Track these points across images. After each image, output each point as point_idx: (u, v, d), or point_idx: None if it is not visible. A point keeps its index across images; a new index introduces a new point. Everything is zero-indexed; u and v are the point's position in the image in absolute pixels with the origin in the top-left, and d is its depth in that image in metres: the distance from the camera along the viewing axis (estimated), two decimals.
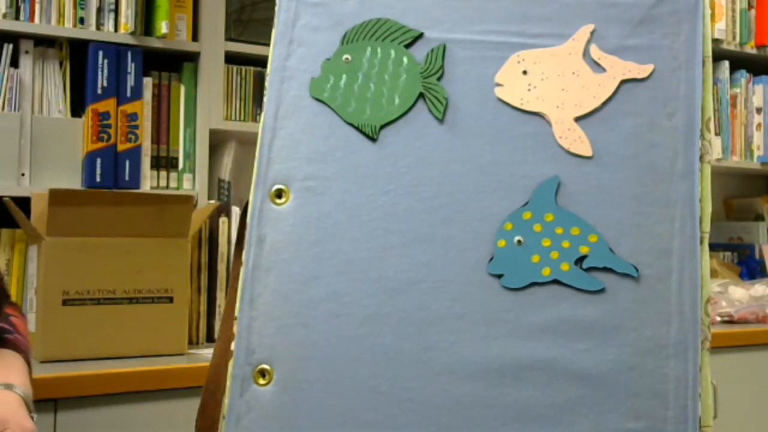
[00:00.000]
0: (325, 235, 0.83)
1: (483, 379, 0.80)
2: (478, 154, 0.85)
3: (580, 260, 0.82)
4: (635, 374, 0.79)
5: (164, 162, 1.97)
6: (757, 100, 2.71)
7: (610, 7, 0.87)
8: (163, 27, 1.91)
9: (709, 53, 0.86)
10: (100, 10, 1.90)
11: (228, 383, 0.82)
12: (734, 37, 2.62)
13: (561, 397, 0.79)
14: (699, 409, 0.79)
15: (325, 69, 0.88)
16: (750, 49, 2.66)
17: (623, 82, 0.85)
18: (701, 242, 0.82)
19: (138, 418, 1.43)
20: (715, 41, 2.54)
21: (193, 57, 1.99)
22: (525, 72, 0.86)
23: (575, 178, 0.84)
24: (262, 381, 0.81)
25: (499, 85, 0.86)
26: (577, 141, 0.84)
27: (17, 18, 1.83)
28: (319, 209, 0.84)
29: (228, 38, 2.01)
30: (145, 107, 1.93)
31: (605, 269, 0.82)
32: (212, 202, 1.97)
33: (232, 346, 0.83)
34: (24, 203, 1.68)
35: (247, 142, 2.04)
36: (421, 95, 0.86)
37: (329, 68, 0.88)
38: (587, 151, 0.84)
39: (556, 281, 0.82)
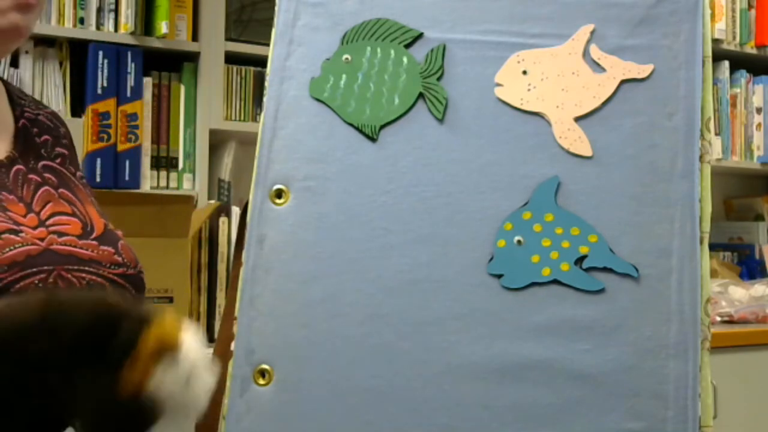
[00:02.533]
0: (324, 235, 0.83)
1: (483, 379, 0.80)
2: (478, 154, 0.85)
3: (580, 260, 0.82)
4: (635, 374, 0.79)
5: (164, 162, 1.97)
6: (757, 100, 2.70)
7: (609, 7, 0.87)
8: (163, 27, 1.91)
9: (709, 53, 0.86)
10: (100, 10, 1.90)
11: (228, 383, 0.82)
12: (734, 37, 2.62)
13: (561, 397, 0.79)
14: (699, 409, 0.79)
15: (324, 69, 0.88)
16: (750, 49, 2.66)
17: (623, 82, 0.85)
18: (701, 242, 0.82)
19: None
20: (715, 41, 2.54)
21: (193, 57, 2.00)
22: (525, 72, 0.86)
23: (575, 178, 0.84)
24: (262, 381, 0.81)
25: (498, 85, 0.86)
26: (577, 141, 0.84)
27: None
28: (318, 209, 0.84)
29: (228, 38, 2.01)
30: (145, 107, 1.93)
31: (605, 269, 0.82)
32: (212, 202, 1.97)
33: (232, 346, 0.83)
34: None
35: (247, 142, 2.04)
36: (421, 95, 0.86)
37: (329, 68, 0.88)
38: (587, 151, 0.84)
39: (556, 281, 0.82)
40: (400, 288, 0.82)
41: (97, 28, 1.90)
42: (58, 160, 0.89)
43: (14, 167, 0.84)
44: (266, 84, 0.88)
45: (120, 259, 0.86)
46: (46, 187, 0.85)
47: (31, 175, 0.85)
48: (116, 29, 1.92)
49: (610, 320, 0.80)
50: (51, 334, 0.54)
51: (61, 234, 0.82)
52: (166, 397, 0.57)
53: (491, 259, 0.82)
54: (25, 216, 0.80)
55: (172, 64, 2.00)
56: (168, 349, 0.58)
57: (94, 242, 0.85)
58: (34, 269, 0.77)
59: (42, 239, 0.79)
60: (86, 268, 0.82)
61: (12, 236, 0.76)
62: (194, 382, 0.60)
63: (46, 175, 0.87)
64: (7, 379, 0.53)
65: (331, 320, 0.82)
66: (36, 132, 0.88)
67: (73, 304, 0.56)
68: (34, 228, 0.79)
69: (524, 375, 0.80)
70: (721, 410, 1.89)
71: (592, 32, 0.87)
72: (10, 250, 0.75)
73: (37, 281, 0.76)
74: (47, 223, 0.82)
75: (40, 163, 0.87)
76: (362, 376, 0.81)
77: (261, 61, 2.00)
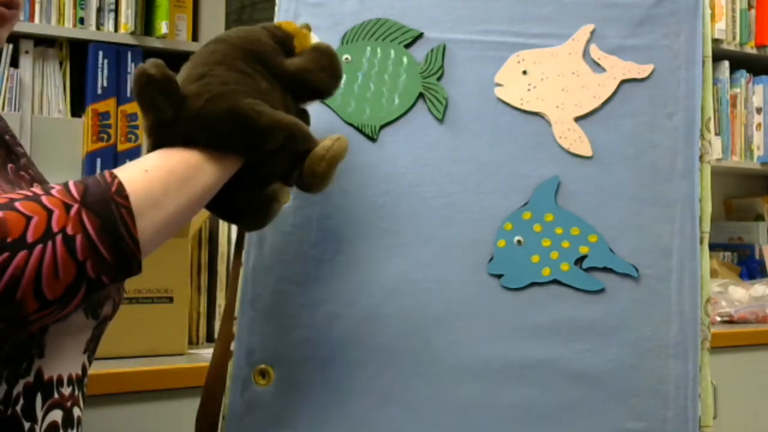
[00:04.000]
0: (325, 236, 0.83)
1: (483, 379, 0.80)
2: (478, 154, 0.85)
3: (580, 260, 0.82)
4: (635, 374, 0.79)
5: None
6: (757, 100, 2.70)
7: (609, 7, 0.87)
8: (163, 27, 1.91)
9: (709, 53, 0.86)
10: (100, 10, 1.90)
11: (228, 383, 0.82)
12: (734, 37, 2.62)
13: (561, 397, 0.79)
14: (699, 409, 0.79)
15: None
16: (750, 49, 2.65)
17: (623, 82, 0.85)
18: (701, 242, 0.82)
19: (138, 418, 1.42)
20: (715, 41, 2.53)
21: None
22: (525, 72, 0.86)
23: (575, 178, 0.84)
24: (262, 381, 0.81)
25: (499, 85, 0.86)
26: (577, 141, 0.84)
27: None
28: (319, 209, 0.84)
29: None
30: None
31: (605, 269, 0.82)
32: None
33: (232, 347, 0.83)
34: None
35: None
36: (421, 95, 0.86)
37: None
38: (587, 151, 0.84)
39: (556, 281, 0.82)
40: (400, 288, 0.82)
41: (97, 28, 1.90)
42: (25, 159, 0.89)
43: (8, 165, 0.84)
44: None
45: None
46: (36, 184, 0.85)
47: (22, 173, 0.85)
48: (116, 29, 1.91)
49: (610, 320, 0.80)
50: (256, 45, 0.75)
51: None
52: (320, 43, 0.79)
53: (491, 259, 0.82)
54: None
55: (172, 64, 2.00)
56: (302, 28, 0.79)
57: None
58: None
59: None
60: None
61: None
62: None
63: (30, 172, 0.87)
64: (265, 78, 0.74)
65: (331, 321, 0.82)
66: (0, 133, 0.88)
67: (250, 29, 0.77)
68: None
69: (524, 375, 0.80)
70: (721, 410, 1.89)
71: (592, 32, 0.87)
72: None
73: None
74: None
75: (21, 161, 0.87)
76: (362, 376, 0.81)
77: None
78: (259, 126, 0.70)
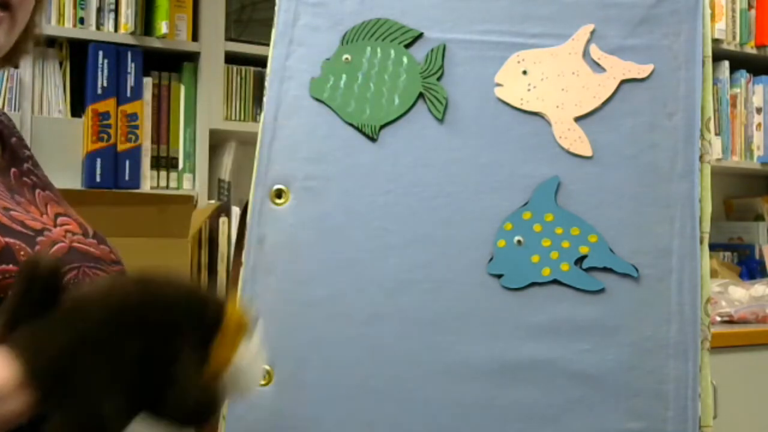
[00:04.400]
0: (324, 236, 0.83)
1: (483, 379, 0.80)
2: (478, 154, 0.85)
3: (580, 260, 0.82)
4: (635, 374, 0.79)
5: (164, 162, 1.97)
6: (757, 100, 2.70)
7: (610, 7, 0.87)
8: (163, 27, 1.91)
9: (709, 53, 0.86)
10: (100, 10, 1.90)
11: None
12: (734, 37, 2.62)
13: (561, 397, 0.79)
14: (699, 409, 0.79)
15: (324, 69, 0.88)
16: (750, 49, 2.66)
17: (623, 82, 0.85)
18: (701, 242, 0.82)
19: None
20: (715, 41, 2.54)
21: (193, 57, 2.00)
22: (525, 72, 0.86)
23: (575, 178, 0.84)
24: (262, 381, 0.81)
25: (499, 85, 0.86)
26: (577, 141, 0.84)
27: None
28: (319, 209, 0.84)
29: (228, 38, 2.01)
30: (145, 107, 1.93)
31: (605, 269, 0.82)
32: (212, 202, 1.97)
33: None
34: None
35: (247, 142, 2.04)
36: (420, 95, 0.86)
37: (329, 68, 0.88)
38: (587, 151, 0.84)
39: (555, 281, 0.82)
40: (400, 288, 0.82)
41: (97, 28, 1.90)
42: (30, 162, 0.89)
43: (11, 170, 0.84)
44: (266, 84, 0.88)
45: (114, 256, 0.87)
46: (38, 190, 0.85)
47: (24, 178, 0.85)
48: (116, 29, 1.92)
49: (610, 320, 0.80)
50: (158, 311, 0.57)
51: (73, 233, 0.82)
52: (243, 372, 0.60)
53: (491, 259, 0.82)
54: (41, 216, 0.80)
55: (172, 64, 2.00)
56: (246, 326, 0.61)
57: (94, 241, 0.85)
58: (67, 267, 0.77)
59: (64, 238, 0.80)
60: (98, 266, 0.82)
61: (49, 234, 0.77)
62: (260, 358, 0.63)
63: (33, 177, 0.87)
64: (134, 352, 0.56)
65: (331, 321, 0.82)
66: (7, 135, 0.88)
67: (168, 284, 0.59)
68: (53, 228, 0.80)
69: (524, 375, 0.80)
70: (721, 410, 1.89)
71: (592, 32, 0.87)
72: (51, 247, 0.76)
73: (71, 278, 0.77)
74: (58, 223, 0.82)
75: (24, 166, 0.87)
76: (362, 376, 0.81)
77: (261, 61, 2.00)
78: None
